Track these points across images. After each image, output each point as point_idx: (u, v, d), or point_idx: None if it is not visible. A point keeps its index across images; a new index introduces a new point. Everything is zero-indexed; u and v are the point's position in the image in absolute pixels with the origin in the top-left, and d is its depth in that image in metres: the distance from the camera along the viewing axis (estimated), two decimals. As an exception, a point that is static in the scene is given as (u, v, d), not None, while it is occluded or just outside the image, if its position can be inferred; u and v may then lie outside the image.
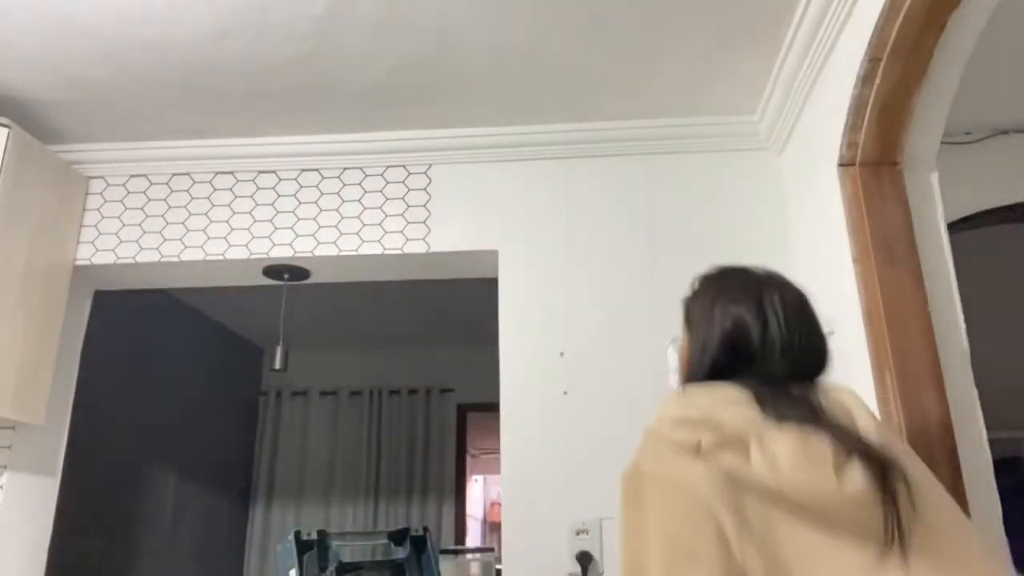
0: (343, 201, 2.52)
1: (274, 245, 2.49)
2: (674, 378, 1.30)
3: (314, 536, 1.97)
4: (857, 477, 0.94)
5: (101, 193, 2.58)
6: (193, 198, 2.56)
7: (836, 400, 1.06)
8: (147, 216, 2.54)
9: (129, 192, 2.58)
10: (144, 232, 2.53)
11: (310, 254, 2.47)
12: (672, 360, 1.32)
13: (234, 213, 2.53)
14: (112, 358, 3.30)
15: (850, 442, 0.97)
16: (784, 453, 0.96)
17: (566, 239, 2.41)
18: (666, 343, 1.29)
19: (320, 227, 2.49)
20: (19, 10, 1.93)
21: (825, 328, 1.17)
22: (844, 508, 0.93)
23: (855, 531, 0.92)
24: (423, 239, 2.45)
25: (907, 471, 0.97)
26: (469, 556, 2.81)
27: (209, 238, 2.51)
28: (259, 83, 2.23)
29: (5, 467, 2.28)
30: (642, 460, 1.03)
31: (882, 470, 0.95)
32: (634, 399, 2.19)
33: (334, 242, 2.48)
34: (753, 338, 1.11)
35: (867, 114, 1.67)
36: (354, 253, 2.46)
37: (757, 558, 0.90)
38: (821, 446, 0.96)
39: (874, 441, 0.99)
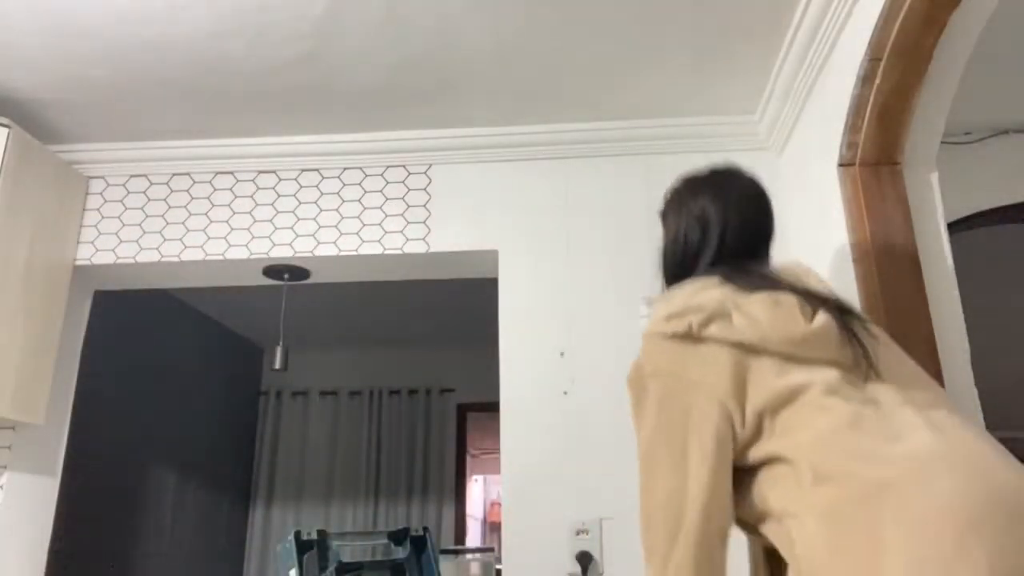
0: (343, 201, 2.52)
1: (274, 245, 2.49)
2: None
3: (314, 536, 1.97)
4: (822, 318, 1.11)
5: (101, 193, 2.58)
6: (193, 198, 2.56)
7: (790, 271, 1.24)
8: (147, 216, 2.54)
9: (129, 192, 2.58)
10: (144, 232, 2.53)
11: (310, 254, 2.47)
12: (645, 313, 1.42)
13: (234, 213, 2.53)
14: (112, 358, 3.30)
15: (811, 297, 1.15)
16: (760, 312, 1.11)
17: (566, 239, 2.41)
18: (639, 301, 1.41)
19: (320, 227, 2.49)
20: (19, 10, 1.93)
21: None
22: (817, 340, 1.09)
23: (828, 359, 1.09)
24: (423, 239, 2.45)
25: (865, 319, 1.15)
26: (469, 556, 2.80)
27: (209, 238, 2.51)
28: (259, 83, 2.23)
29: (5, 467, 2.28)
30: (643, 362, 1.18)
31: (842, 313, 1.13)
32: (634, 399, 2.19)
33: (334, 242, 2.48)
34: (714, 222, 1.27)
35: (867, 114, 1.67)
36: (354, 253, 2.46)
37: (757, 399, 1.07)
38: (789, 302, 1.13)
39: (830, 295, 1.17)
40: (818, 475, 1.00)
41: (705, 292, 1.17)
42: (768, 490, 1.07)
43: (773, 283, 1.17)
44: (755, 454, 1.09)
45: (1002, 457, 0.98)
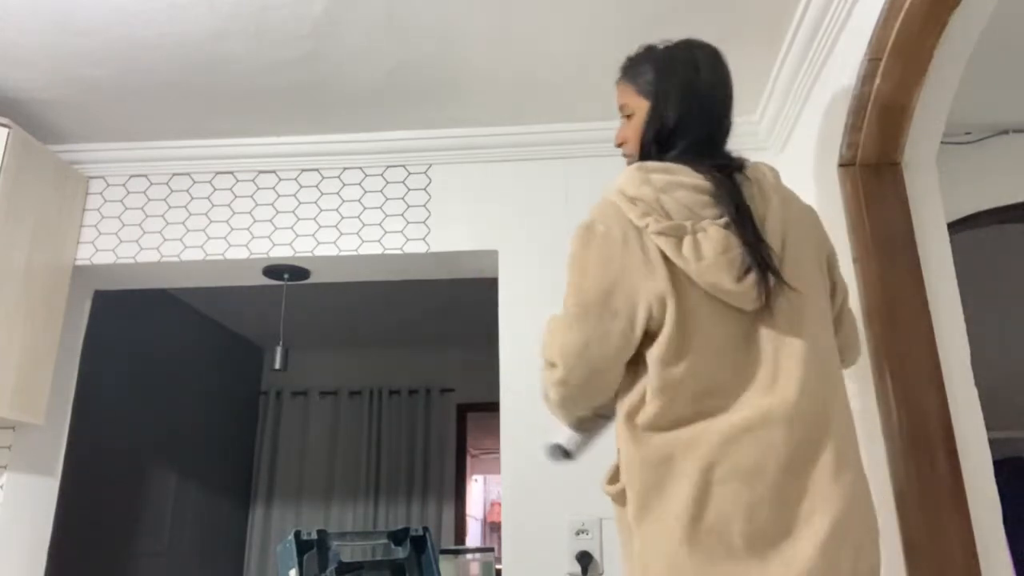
0: (343, 201, 2.52)
1: (274, 245, 2.49)
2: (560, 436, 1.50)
3: (314, 536, 1.97)
4: (751, 280, 1.19)
5: (101, 193, 2.58)
6: (193, 198, 2.56)
7: (758, 182, 1.28)
8: (147, 216, 2.54)
9: (129, 192, 2.58)
10: (144, 232, 2.53)
11: (310, 254, 2.47)
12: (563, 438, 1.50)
13: (234, 213, 2.53)
14: (112, 358, 3.30)
15: (755, 255, 1.21)
16: (708, 252, 1.19)
17: (566, 239, 2.40)
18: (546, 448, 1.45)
19: (320, 227, 2.49)
20: (19, 9, 1.93)
21: None
22: (738, 295, 1.19)
23: (742, 305, 1.20)
24: (423, 239, 2.45)
25: (793, 277, 1.23)
26: (469, 556, 2.80)
27: (209, 238, 2.51)
28: (259, 83, 2.23)
29: (5, 467, 2.28)
30: (596, 219, 1.26)
31: (766, 275, 1.21)
32: (634, 399, 2.19)
33: (334, 242, 2.48)
34: (701, 105, 1.32)
35: (867, 114, 1.67)
36: (354, 253, 2.46)
37: (672, 312, 1.18)
38: (735, 253, 1.19)
39: (775, 247, 1.23)
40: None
41: (679, 191, 1.23)
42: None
43: (736, 218, 1.23)
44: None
45: None
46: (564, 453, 1.41)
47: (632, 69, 1.40)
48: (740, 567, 1.10)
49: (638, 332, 1.20)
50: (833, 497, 1.12)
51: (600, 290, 1.22)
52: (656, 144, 1.32)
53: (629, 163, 1.37)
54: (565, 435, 1.41)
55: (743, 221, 1.23)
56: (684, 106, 1.32)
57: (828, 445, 1.15)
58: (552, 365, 1.31)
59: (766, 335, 1.21)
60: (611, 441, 2.22)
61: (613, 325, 1.21)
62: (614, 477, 1.28)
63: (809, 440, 1.15)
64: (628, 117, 1.39)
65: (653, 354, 1.19)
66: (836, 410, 1.20)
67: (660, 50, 1.39)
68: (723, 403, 1.17)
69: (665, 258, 1.20)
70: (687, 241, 1.20)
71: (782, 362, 1.19)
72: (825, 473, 1.13)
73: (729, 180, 1.26)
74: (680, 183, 1.24)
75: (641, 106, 1.36)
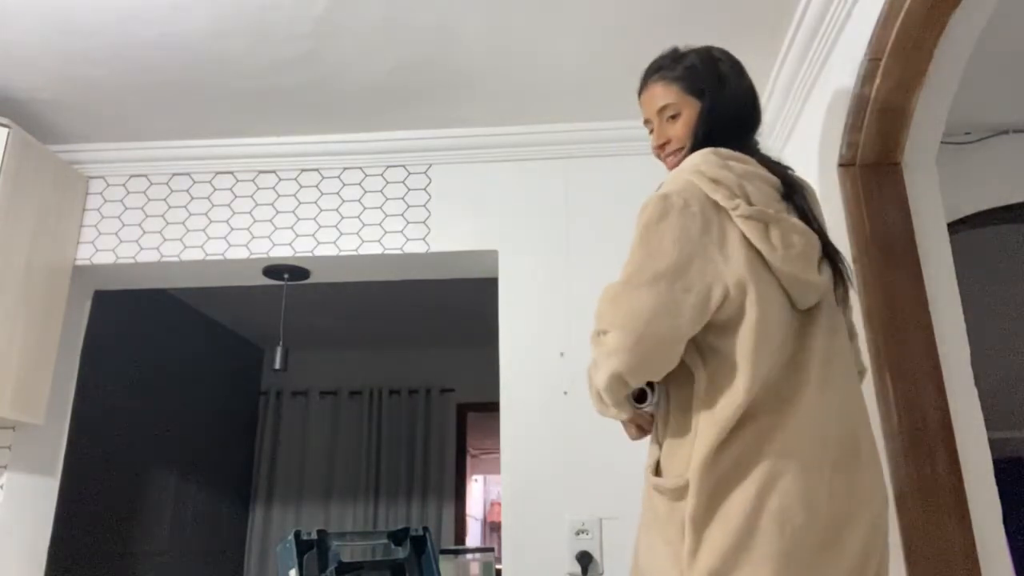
0: (343, 201, 2.52)
1: (274, 245, 2.49)
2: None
3: (314, 536, 1.97)
4: (828, 273, 1.25)
5: (101, 193, 2.58)
6: (193, 198, 2.56)
7: (803, 188, 1.34)
8: (147, 216, 2.54)
9: (129, 192, 2.58)
10: (144, 232, 2.53)
11: (310, 254, 2.47)
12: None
13: (234, 213, 2.53)
14: (112, 358, 3.30)
15: (826, 246, 1.27)
16: (797, 242, 1.20)
17: (566, 239, 2.41)
18: None
19: (320, 227, 2.49)
20: (19, 10, 1.93)
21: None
22: (816, 287, 1.22)
23: (808, 299, 1.23)
24: (423, 239, 2.45)
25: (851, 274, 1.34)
26: (469, 556, 2.80)
27: (209, 238, 2.51)
28: (259, 83, 2.23)
29: (5, 467, 2.28)
30: (675, 191, 1.21)
31: (839, 271, 1.28)
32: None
33: (334, 242, 2.48)
34: (740, 104, 1.35)
35: (867, 114, 1.67)
36: (354, 253, 2.46)
37: (754, 299, 1.16)
38: (813, 243, 1.23)
39: (832, 244, 1.30)
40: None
41: (756, 182, 1.24)
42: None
43: (805, 212, 1.27)
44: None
45: None
46: (641, 397, 1.30)
47: (673, 69, 1.39)
48: (807, 561, 1.09)
49: (711, 311, 1.17)
50: (874, 499, 1.17)
51: (675, 261, 1.17)
52: (708, 143, 1.31)
53: (671, 164, 1.38)
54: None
55: (811, 219, 1.26)
56: (734, 105, 1.34)
57: (863, 443, 1.20)
58: (605, 332, 1.24)
59: (815, 335, 1.21)
60: (610, 436, 2.22)
61: (686, 298, 1.16)
62: (668, 469, 1.21)
63: (853, 438, 1.19)
64: (672, 118, 1.38)
65: (744, 344, 1.15)
66: (864, 418, 1.24)
67: (700, 51, 1.39)
68: (787, 399, 1.16)
69: (746, 244, 1.19)
70: (774, 229, 1.19)
71: (829, 363, 1.20)
72: (866, 473, 1.18)
73: (793, 180, 1.31)
74: (756, 174, 1.25)
75: (690, 105, 1.36)
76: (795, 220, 1.23)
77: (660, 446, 1.25)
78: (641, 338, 1.17)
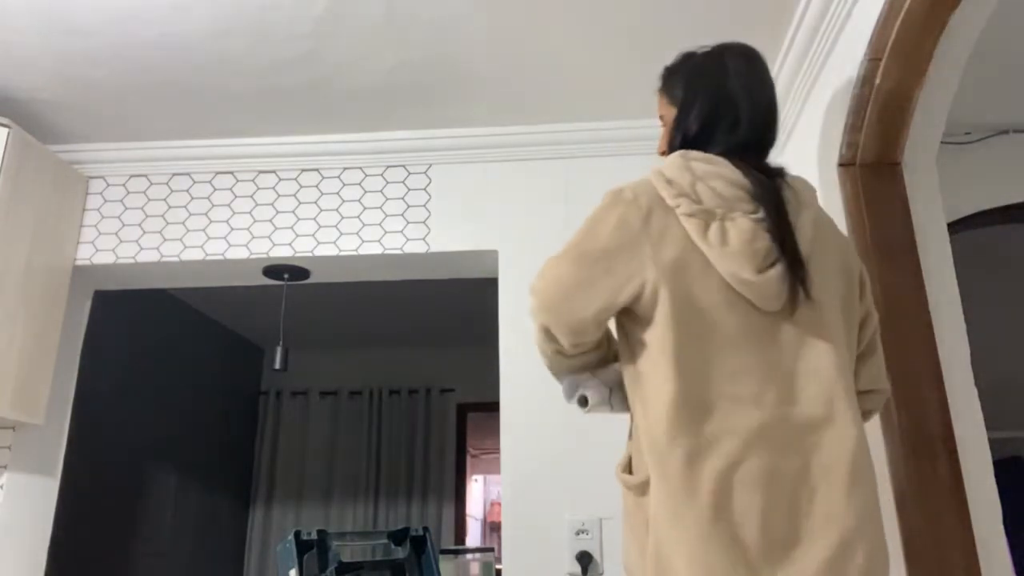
0: (343, 201, 2.52)
1: (274, 245, 2.49)
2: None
3: (314, 536, 1.97)
4: (774, 274, 1.19)
5: (101, 193, 2.58)
6: (193, 198, 2.56)
7: (796, 191, 1.28)
8: (147, 216, 2.54)
9: (129, 192, 2.58)
10: (144, 232, 2.53)
11: (310, 254, 2.47)
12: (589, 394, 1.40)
13: (234, 213, 2.53)
14: (112, 358, 3.30)
15: (785, 250, 1.20)
16: (734, 240, 1.19)
17: (566, 239, 2.40)
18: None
19: (320, 227, 2.49)
20: (19, 10, 1.93)
21: None
22: (758, 287, 1.18)
23: (762, 301, 1.19)
24: (423, 239, 2.45)
25: (815, 288, 1.22)
26: (469, 556, 2.80)
27: (209, 238, 2.51)
28: (259, 83, 2.23)
29: (5, 467, 2.28)
30: (628, 187, 1.28)
31: (795, 276, 1.20)
32: (634, 399, 2.19)
33: (334, 242, 2.48)
34: (740, 106, 1.31)
35: (867, 114, 1.67)
36: (354, 253, 2.46)
37: (667, 298, 1.18)
38: (761, 245, 1.19)
39: (804, 250, 1.22)
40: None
41: (715, 182, 1.24)
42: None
43: (773, 214, 1.23)
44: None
45: None
46: (583, 402, 1.36)
47: (667, 80, 1.42)
48: (752, 570, 1.09)
49: (622, 299, 1.21)
50: (844, 513, 1.11)
51: (605, 246, 1.23)
52: (685, 146, 1.33)
53: None
54: (593, 387, 1.36)
55: (778, 218, 1.23)
56: (709, 115, 1.33)
57: (845, 460, 1.14)
58: (531, 295, 1.31)
59: (787, 341, 1.19)
60: (609, 436, 2.22)
61: (603, 279, 1.22)
62: (631, 467, 1.26)
63: (823, 454, 1.14)
64: (664, 125, 1.42)
65: (664, 339, 1.18)
66: (853, 428, 1.17)
67: (693, 59, 1.40)
68: (744, 400, 1.15)
69: (686, 241, 1.21)
70: (714, 226, 1.20)
71: (801, 372, 1.18)
72: (839, 488, 1.12)
73: (770, 181, 1.27)
74: (720, 174, 1.25)
75: (670, 112, 1.39)
76: (743, 219, 1.20)
77: (629, 442, 1.29)
78: (554, 304, 1.26)
